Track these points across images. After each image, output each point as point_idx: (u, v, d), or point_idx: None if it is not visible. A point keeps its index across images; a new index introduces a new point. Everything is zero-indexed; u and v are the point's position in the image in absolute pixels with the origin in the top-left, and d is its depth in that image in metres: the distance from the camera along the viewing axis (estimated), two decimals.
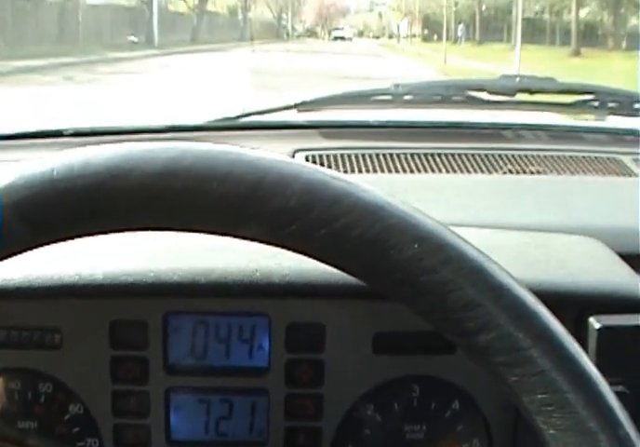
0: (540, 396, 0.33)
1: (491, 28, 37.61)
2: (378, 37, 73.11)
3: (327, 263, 0.35)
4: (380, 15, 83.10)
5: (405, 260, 0.33)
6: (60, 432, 0.66)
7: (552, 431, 0.33)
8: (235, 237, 0.35)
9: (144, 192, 0.33)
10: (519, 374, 0.33)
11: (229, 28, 41.04)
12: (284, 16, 56.83)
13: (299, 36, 62.28)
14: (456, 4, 31.02)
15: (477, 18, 34.42)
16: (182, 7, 34.23)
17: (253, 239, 0.35)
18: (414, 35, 50.04)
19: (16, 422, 0.65)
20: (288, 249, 0.35)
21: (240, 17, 42.71)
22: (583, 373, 0.33)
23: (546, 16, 33.82)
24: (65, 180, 0.33)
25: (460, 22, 34.66)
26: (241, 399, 0.65)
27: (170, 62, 13.85)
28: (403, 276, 0.33)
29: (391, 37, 69.85)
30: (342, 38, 58.32)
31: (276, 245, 0.35)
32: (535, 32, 32.24)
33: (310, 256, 0.35)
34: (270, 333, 0.64)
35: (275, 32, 51.89)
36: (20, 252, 0.35)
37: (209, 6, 42.55)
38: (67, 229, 0.34)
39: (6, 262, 0.35)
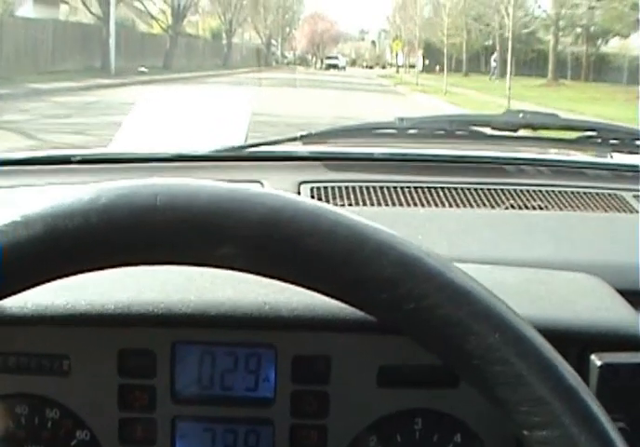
0: None
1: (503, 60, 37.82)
2: (371, 67, 74.58)
3: (407, 334, 0.40)
4: (374, 43, 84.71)
5: (483, 347, 0.38)
6: None
7: None
8: (320, 293, 0.39)
9: (244, 236, 0.37)
10: None
11: (211, 53, 39.49)
12: (273, 42, 57.32)
13: (288, 64, 63.18)
14: (468, 32, 30.49)
15: (497, 48, 33.67)
16: (157, 28, 32.23)
17: (339, 300, 0.39)
18: (412, 66, 50.69)
19: None
20: (373, 315, 0.40)
21: (224, 41, 41.48)
22: None
23: (567, 48, 33.33)
24: (167, 210, 0.37)
25: (492, 53, 33.53)
26: (246, 429, 0.71)
27: (106, 104, 11.20)
28: (479, 362, 0.38)
29: (384, 67, 71.16)
30: (336, 66, 59.22)
31: (362, 309, 0.39)
32: (566, 66, 31.26)
33: (392, 326, 0.39)
34: (276, 365, 0.70)
35: (264, 58, 52.21)
36: (57, 279, 0.40)
37: (190, 29, 39.94)
38: (158, 256, 0.39)
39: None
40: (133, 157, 1.15)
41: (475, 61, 39.52)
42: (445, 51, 26.01)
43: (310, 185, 1.08)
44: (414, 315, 0.38)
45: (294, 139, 1.19)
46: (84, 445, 0.71)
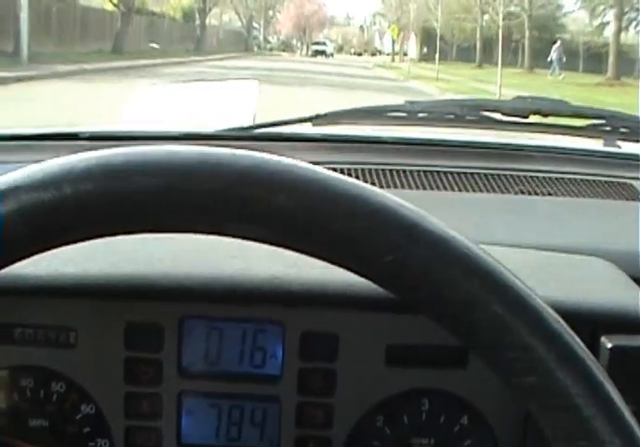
0: (581, 443, 0.40)
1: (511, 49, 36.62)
2: (360, 54, 75.51)
3: (386, 288, 0.43)
4: (362, 29, 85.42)
5: (463, 294, 0.41)
6: (71, 432, 0.78)
7: None
8: (297, 251, 0.43)
9: (215, 198, 0.41)
10: (563, 419, 0.40)
11: (181, 36, 37.05)
12: (255, 25, 57.06)
13: (271, 49, 63.34)
14: (483, 13, 28.25)
15: (527, 34, 30.39)
16: (109, 4, 28.32)
17: (315, 257, 0.43)
18: (404, 54, 50.56)
19: (27, 420, 0.77)
20: (350, 270, 0.43)
21: (197, 23, 39.09)
22: (626, 425, 0.40)
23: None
24: (139, 177, 0.41)
25: (554, 42, 30.48)
26: (253, 405, 0.78)
27: None
28: (459, 309, 0.41)
29: (374, 54, 71.81)
30: (323, 53, 59.63)
31: (338, 265, 0.43)
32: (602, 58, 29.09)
33: (369, 280, 0.43)
34: (284, 341, 0.76)
35: (244, 43, 51.82)
36: (55, 247, 0.43)
37: (155, 7, 36.62)
38: (131, 225, 0.42)
39: (26, 260, 0.43)
40: (140, 135, 1.27)
41: (488, 51, 37.78)
42: (500, 34, 21.95)
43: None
44: (390, 267, 0.41)
45: (304, 120, 1.33)
46: (88, 419, 0.78)
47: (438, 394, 0.78)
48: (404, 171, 1.22)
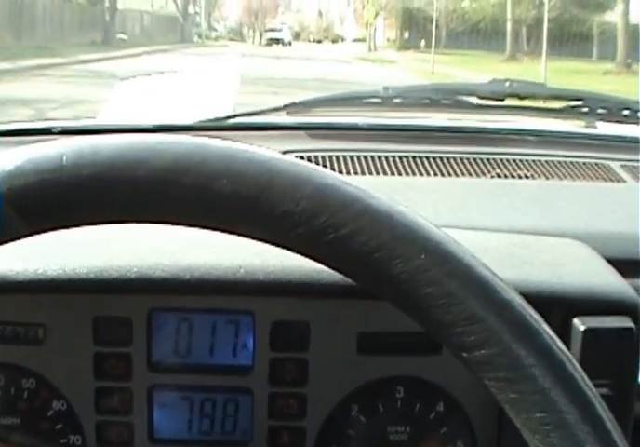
0: (538, 414, 0.45)
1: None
2: (319, 41, 76.57)
3: (333, 268, 0.48)
4: (321, 13, 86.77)
5: (410, 270, 0.45)
6: (44, 429, 0.89)
7: None
8: (241, 235, 0.48)
9: (152, 185, 0.45)
10: (518, 391, 0.45)
11: (86, 23, 32.84)
12: (197, 10, 56.52)
13: (217, 39, 63.21)
14: None
15: (622, 8, 26.58)
16: None
17: (259, 240, 0.48)
18: (388, 39, 50.29)
19: None
20: (294, 251, 0.48)
21: (107, 4, 35.50)
22: (583, 395, 0.45)
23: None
24: (74, 167, 0.45)
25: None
26: (224, 397, 0.88)
27: None
28: (407, 286, 0.46)
29: (335, 41, 72.72)
30: (279, 41, 59.59)
31: (282, 247, 0.48)
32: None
33: (316, 260, 0.48)
34: (254, 332, 0.87)
35: (180, 31, 49.26)
36: (16, 240, 0.47)
37: None
38: (69, 217, 0.47)
39: None
40: (114, 128, 1.48)
41: (497, 37, 34.07)
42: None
43: (293, 155, 1.36)
44: (333, 246, 0.46)
45: (278, 109, 1.55)
46: (60, 415, 0.89)
47: (413, 381, 0.89)
48: (379, 157, 1.42)
